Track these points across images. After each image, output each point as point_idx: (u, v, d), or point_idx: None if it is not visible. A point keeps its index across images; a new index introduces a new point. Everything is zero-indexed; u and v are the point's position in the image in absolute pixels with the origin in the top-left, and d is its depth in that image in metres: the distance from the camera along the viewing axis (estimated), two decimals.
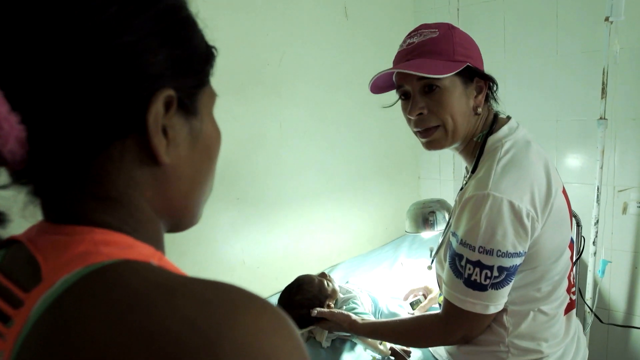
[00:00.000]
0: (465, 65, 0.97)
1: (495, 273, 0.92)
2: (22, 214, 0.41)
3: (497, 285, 0.93)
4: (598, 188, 1.82)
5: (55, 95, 0.35)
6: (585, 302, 1.84)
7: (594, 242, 1.85)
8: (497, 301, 0.95)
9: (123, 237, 0.40)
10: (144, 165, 0.41)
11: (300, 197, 1.97)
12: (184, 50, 0.41)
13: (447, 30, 1.00)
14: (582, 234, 1.72)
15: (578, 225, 1.67)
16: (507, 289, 0.95)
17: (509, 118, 1.06)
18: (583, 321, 1.87)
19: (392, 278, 1.75)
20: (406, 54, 1.01)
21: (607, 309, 2.06)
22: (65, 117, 0.36)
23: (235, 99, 1.69)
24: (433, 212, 1.56)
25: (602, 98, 1.77)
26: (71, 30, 0.35)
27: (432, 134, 1.02)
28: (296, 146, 1.92)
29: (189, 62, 0.42)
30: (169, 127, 0.41)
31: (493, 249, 0.90)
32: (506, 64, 2.18)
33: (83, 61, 0.35)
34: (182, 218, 0.48)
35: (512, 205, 0.89)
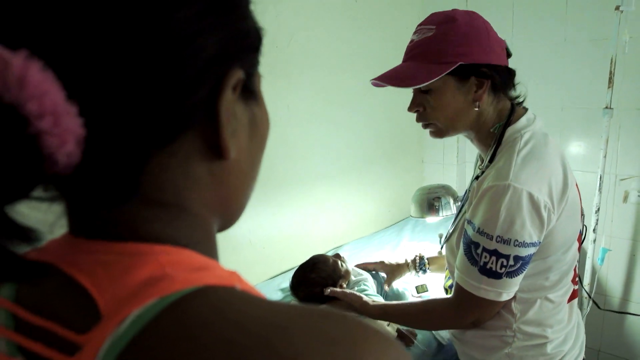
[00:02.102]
0: (455, 66, 0.96)
1: (511, 262, 0.94)
2: (51, 230, 0.33)
3: (512, 274, 0.96)
4: (601, 177, 1.84)
5: (116, 80, 0.29)
6: (583, 288, 1.88)
7: (594, 230, 1.88)
8: (510, 289, 0.98)
9: (189, 253, 0.33)
10: (205, 161, 0.35)
11: (306, 179, 1.98)
12: (243, 24, 0.35)
13: (444, 26, 0.97)
14: (584, 223, 1.76)
15: (582, 214, 1.69)
16: (520, 277, 0.98)
17: (525, 109, 1.07)
18: (580, 307, 1.92)
19: (395, 260, 1.77)
20: (405, 54, 1.04)
21: (603, 295, 2.11)
22: (127, 106, 0.30)
23: None
24: (438, 198, 1.59)
25: (608, 87, 1.78)
26: (127, 5, 0.29)
27: (429, 127, 1.07)
28: (303, 128, 1.93)
29: (249, 37, 0.36)
30: (232, 115, 0.35)
31: (511, 239, 0.92)
32: (513, 50, 2.17)
33: (142, 39, 0.29)
34: (233, 217, 0.42)
35: (531, 196, 0.91)
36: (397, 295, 1.52)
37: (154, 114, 0.30)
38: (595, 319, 2.12)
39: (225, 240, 1.46)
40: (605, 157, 1.82)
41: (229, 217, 0.41)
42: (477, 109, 1.01)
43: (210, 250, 0.37)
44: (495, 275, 0.95)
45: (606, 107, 1.80)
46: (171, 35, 0.30)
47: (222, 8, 0.33)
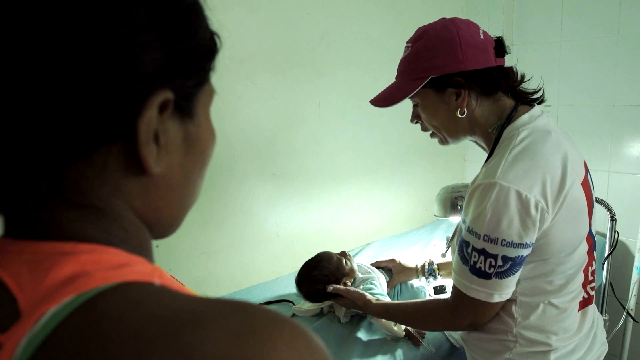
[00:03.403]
0: (427, 81, 0.99)
1: (500, 262, 0.91)
2: None
3: (502, 275, 0.93)
4: None
5: (33, 90, 0.30)
6: (617, 299, 1.75)
7: None
8: (502, 290, 0.95)
9: (113, 251, 0.34)
10: (130, 174, 0.35)
11: (337, 176, 2.00)
12: (185, 45, 0.36)
13: (417, 43, 1.02)
14: (620, 228, 1.63)
15: (612, 219, 1.58)
16: (512, 278, 0.95)
17: (532, 106, 1.03)
18: (624, 320, 1.78)
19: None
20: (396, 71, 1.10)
21: None
22: (43, 116, 0.30)
23: (274, 78, 1.74)
24: (462, 197, 1.54)
25: None
26: (57, 20, 0.29)
27: (435, 136, 1.14)
28: (334, 125, 1.95)
29: (190, 59, 0.36)
30: (162, 132, 0.36)
31: (497, 238, 0.90)
32: (562, 44, 2.06)
33: (68, 55, 0.29)
34: (167, 229, 0.42)
35: (519, 194, 0.88)
36: (414, 293, 1.50)
37: (70, 125, 0.31)
38: None
39: (253, 232, 1.55)
40: None
41: (161, 227, 0.41)
42: (461, 116, 1.01)
43: (138, 248, 0.37)
44: (484, 275, 0.93)
45: None
46: (100, 51, 0.30)
47: (161, 27, 0.33)
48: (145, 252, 0.38)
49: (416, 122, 1.14)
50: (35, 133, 0.30)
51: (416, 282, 1.54)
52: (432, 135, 1.14)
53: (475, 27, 1.01)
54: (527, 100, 1.03)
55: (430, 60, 0.99)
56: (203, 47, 0.38)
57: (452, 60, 0.97)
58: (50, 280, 0.30)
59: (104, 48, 0.30)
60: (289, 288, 1.71)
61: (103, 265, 0.32)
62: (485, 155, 1.07)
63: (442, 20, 1.03)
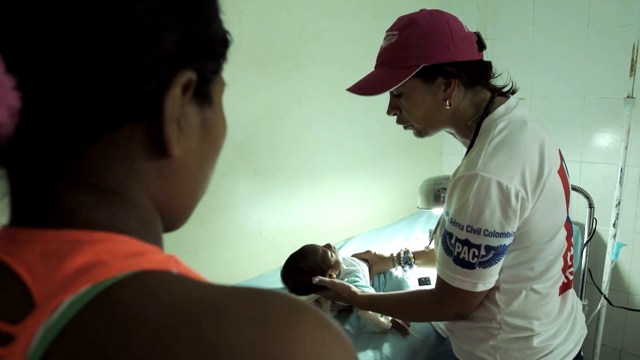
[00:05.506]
0: (418, 69, 0.97)
1: (483, 252, 0.94)
2: None
3: (485, 264, 0.95)
4: (622, 169, 1.76)
5: (62, 61, 0.29)
6: (595, 285, 1.81)
7: (614, 225, 1.81)
8: (486, 279, 0.97)
9: (128, 240, 0.34)
10: (149, 155, 0.35)
11: (318, 171, 2.00)
12: (206, 29, 0.37)
13: (406, 31, 1.00)
14: (595, 216, 1.69)
15: (590, 207, 1.63)
16: (495, 267, 0.97)
17: (507, 98, 1.05)
18: (599, 304, 1.85)
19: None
20: (376, 61, 1.09)
21: (626, 293, 2.02)
22: (71, 88, 0.30)
23: (253, 73, 1.72)
24: (444, 189, 1.57)
25: (630, 75, 1.70)
26: None
27: (410, 128, 1.12)
28: (314, 120, 1.95)
29: (210, 44, 0.37)
30: (182, 115, 0.36)
31: (480, 229, 0.92)
32: (535, 38, 2.11)
33: (96, 26, 0.30)
34: (178, 219, 0.42)
35: (500, 185, 0.90)
36: (398, 283, 1.52)
37: (96, 99, 0.31)
38: (617, 318, 2.03)
39: (235, 229, 1.53)
40: (626, 148, 1.75)
41: (174, 216, 0.41)
42: (448, 107, 1.01)
43: (151, 237, 0.37)
44: (468, 265, 0.95)
45: (628, 97, 1.72)
46: (126, 25, 0.30)
47: (184, 9, 0.34)
48: (158, 242, 0.38)
49: (394, 114, 1.12)
50: (66, 104, 0.30)
51: (399, 273, 1.55)
52: (406, 127, 1.13)
53: (460, 21, 1.03)
54: (501, 92, 1.06)
55: (423, 49, 0.98)
56: (221, 34, 0.39)
57: (445, 49, 0.97)
58: (65, 270, 0.29)
59: (130, 24, 0.31)
60: (273, 285, 1.70)
61: (118, 254, 0.31)
62: (461, 147, 1.09)
63: (427, 10, 1.03)
